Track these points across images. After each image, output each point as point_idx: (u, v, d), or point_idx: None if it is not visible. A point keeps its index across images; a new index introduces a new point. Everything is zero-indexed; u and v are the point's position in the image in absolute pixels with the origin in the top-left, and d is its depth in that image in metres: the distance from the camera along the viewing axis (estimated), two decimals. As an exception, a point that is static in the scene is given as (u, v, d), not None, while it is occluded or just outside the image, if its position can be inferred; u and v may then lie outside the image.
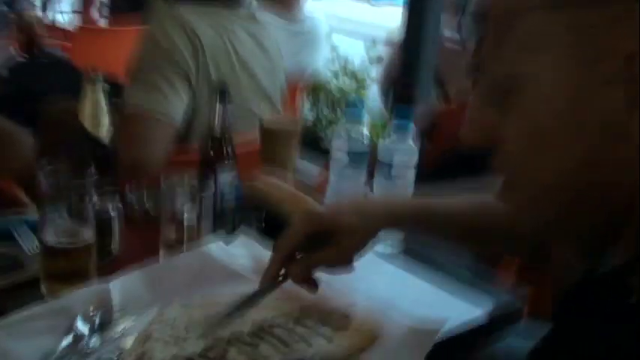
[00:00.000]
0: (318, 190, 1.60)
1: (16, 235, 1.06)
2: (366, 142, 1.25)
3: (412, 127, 1.20)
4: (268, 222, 1.21)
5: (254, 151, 1.41)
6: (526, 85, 0.51)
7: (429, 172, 1.70)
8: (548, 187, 0.52)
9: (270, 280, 0.87)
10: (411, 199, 0.97)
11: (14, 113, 1.25)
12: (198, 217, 1.02)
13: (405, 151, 1.19)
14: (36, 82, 2.03)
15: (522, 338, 0.98)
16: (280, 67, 1.71)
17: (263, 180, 1.31)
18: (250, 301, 0.88)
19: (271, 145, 1.38)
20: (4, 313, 0.91)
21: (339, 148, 1.26)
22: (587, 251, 0.56)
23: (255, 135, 1.41)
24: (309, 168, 1.66)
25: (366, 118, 1.26)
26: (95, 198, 0.93)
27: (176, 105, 1.39)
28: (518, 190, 0.55)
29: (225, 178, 1.19)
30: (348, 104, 1.25)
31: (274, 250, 0.87)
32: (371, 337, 0.89)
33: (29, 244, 1.04)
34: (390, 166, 1.19)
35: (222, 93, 1.16)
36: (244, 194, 1.27)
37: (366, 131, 1.26)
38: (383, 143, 1.21)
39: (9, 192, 1.19)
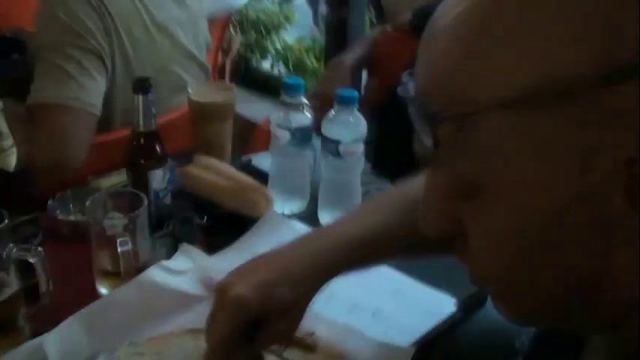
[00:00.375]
0: (264, 127, 1.48)
1: None
2: (308, 115, 1.14)
3: (356, 97, 1.09)
4: (210, 215, 1.11)
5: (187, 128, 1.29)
6: (494, 190, 0.43)
7: (375, 108, 1.61)
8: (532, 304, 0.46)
9: None
10: (339, 237, 0.76)
11: None
12: (134, 240, 0.91)
13: (351, 124, 1.08)
14: None
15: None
16: (201, 18, 1.55)
17: (197, 164, 1.20)
18: None
19: (202, 122, 1.26)
20: None
21: (279, 125, 1.14)
22: None
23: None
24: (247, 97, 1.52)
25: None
26: (11, 246, 0.81)
27: (91, 89, 1.24)
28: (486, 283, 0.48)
29: (157, 177, 1.07)
30: (286, 83, 1.12)
31: (208, 346, 0.69)
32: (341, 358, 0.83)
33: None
34: (335, 142, 1.08)
35: (141, 82, 1.02)
36: (179, 184, 1.16)
37: (306, 103, 1.15)
38: (327, 118, 1.10)
39: None
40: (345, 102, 1.07)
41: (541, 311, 0.46)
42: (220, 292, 0.67)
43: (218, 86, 1.44)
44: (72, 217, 1.09)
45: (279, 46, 3.35)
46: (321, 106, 1.21)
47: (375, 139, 1.15)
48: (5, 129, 0.87)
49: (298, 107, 1.13)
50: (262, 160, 1.32)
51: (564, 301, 0.44)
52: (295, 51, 3.24)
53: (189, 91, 1.24)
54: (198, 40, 1.51)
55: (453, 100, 0.42)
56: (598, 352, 0.51)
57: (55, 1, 1.26)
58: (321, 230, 0.78)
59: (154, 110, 1.04)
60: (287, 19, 3.40)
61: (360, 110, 1.09)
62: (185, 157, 1.26)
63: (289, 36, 3.50)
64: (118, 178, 1.20)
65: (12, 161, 0.89)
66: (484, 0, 0.41)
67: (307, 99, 1.14)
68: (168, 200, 1.10)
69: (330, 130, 1.09)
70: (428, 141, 0.44)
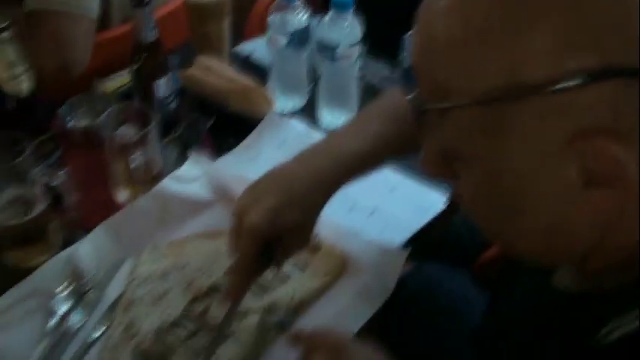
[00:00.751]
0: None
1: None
2: (305, 17, 1.17)
3: (351, 2, 1.11)
4: (219, 116, 1.17)
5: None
6: (471, 162, 0.51)
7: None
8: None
9: (241, 290, 0.79)
10: (338, 153, 0.82)
11: None
12: (146, 152, 0.98)
13: (346, 28, 1.11)
14: None
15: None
16: None
17: (199, 66, 1.24)
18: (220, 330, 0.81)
19: (200, 22, 1.28)
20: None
21: (276, 27, 1.17)
22: None
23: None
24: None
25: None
26: (37, 170, 0.88)
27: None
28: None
29: (162, 86, 1.11)
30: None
31: (233, 274, 0.79)
32: (342, 261, 0.93)
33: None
34: (333, 47, 1.12)
35: (140, -4, 1.04)
36: (182, 87, 1.21)
37: (301, 4, 1.17)
38: (321, 22, 1.13)
39: None
40: (341, 7, 1.09)
41: (515, 250, 0.55)
42: (237, 217, 0.75)
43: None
44: (83, 123, 1.14)
45: None
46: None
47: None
48: (14, 57, 0.91)
49: (295, 9, 1.15)
50: (260, 52, 1.35)
51: (540, 252, 0.52)
52: None
53: (186, -9, 1.25)
54: None
55: (434, 91, 0.48)
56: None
57: None
58: (321, 146, 0.84)
59: (153, 21, 1.06)
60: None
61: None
62: (185, 54, 1.29)
63: None
64: (122, 80, 1.25)
65: (24, 88, 0.94)
66: None
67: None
68: (174, 105, 1.16)
69: (326, 35, 1.12)
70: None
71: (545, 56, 0.43)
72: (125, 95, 1.22)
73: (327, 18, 1.12)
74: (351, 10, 1.10)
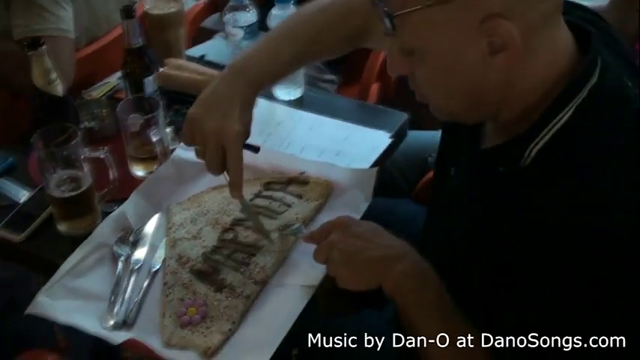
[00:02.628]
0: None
1: (2, 189, 1.23)
2: (253, 13, 1.45)
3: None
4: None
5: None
6: (422, 54, 0.81)
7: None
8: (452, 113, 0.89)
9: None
10: (256, 73, 1.09)
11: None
12: (157, 133, 1.23)
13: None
14: None
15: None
16: None
17: (170, 66, 1.49)
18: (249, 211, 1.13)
19: (160, 31, 1.52)
20: (41, 259, 1.14)
21: (232, 25, 1.45)
22: None
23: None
24: None
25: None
26: (85, 149, 1.11)
27: (64, 18, 1.46)
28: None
29: (149, 82, 1.35)
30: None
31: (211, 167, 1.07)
32: (328, 185, 1.21)
33: (20, 194, 1.22)
34: (282, 32, 1.41)
35: (126, 10, 1.28)
36: (160, 84, 1.45)
37: (249, 3, 1.45)
38: (270, 13, 1.41)
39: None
40: (283, 1, 1.39)
41: (456, 114, 0.87)
42: (191, 124, 1.06)
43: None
44: (86, 124, 1.37)
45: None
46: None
47: None
48: (50, 65, 1.13)
49: (245, 7, 1.44)
50: (212, 52, 1.62)
51: (478, 109, 0.84)
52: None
53: (146, 6, 1.50)
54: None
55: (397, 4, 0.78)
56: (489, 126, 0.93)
57: None
58: (241, 64, 1.10)
59: (138, 30, 1.31)
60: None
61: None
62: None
63: None
64: (106, 87, 1.48)
65: (60, 90, 1.16)
66: None
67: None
68: (159, 99, 1.40)
69: (275, 24, 1.41)
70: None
71: None
72: (110, 98, 1.45)
73: (273, 10, 1.40)
74: (292, 3, 1.40)
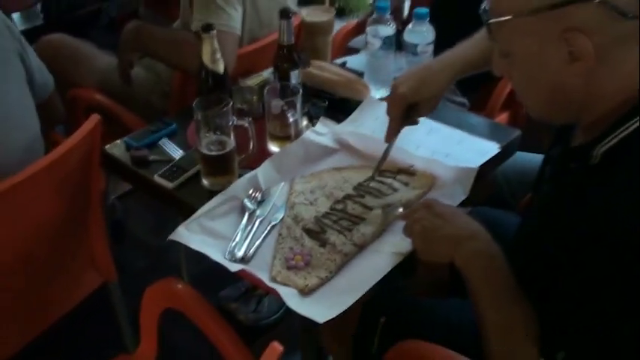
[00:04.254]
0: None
1: (164, 148, 1.50)
2: (392, 27, 1.64)
3: (427, 12, 1.58)
4: (330, 102, 1.63)
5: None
6: (514, 57, 0.96)
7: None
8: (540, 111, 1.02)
9: (394, 135, 1.36)
10: (457, 59, 1.36)
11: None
12: (294, 115, 1.44)
13: (425, 33, 1.59)
14: None
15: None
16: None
17: (314, 66, 1.71)
18: (382, 160, 1.37)
19: (312, 36, 1.76)
20: (185, 204, 1.38)
21: (372, 35, 1.65)
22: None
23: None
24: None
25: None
26: (233, 117, 1.35)
27: (235, 17, 1.74)
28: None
29: (294, 75, 1.58)
30: (377, 5, 1.63)
31: (390, 116, 1.35)
32: (432, 178, 1.37)
33: (176, 153, 1.48)
34: (415, 45, 1.59)
35: (285, 12, 1.52)
36: (304, 81, 1.68)
37: (390, 18, 1.64)
38: (407, 28, 1.60)
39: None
40: (420, 17, 1.57)
41: (544, 113, 1.00)
42: (393, 87, 1.31)
43: (322, 8, 1.92)
44: (239, 106, 1.62)
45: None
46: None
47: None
48: (216, 46, 1.39)
49: (386, 21, 1.63)
50: (353, 62, 1.83)
51: (562, 110, 0.98)
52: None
53: (303, 13, 1.74)
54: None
55: (492, 10, 0.94)
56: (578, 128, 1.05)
57: None
58: (447, 54, 1.37)
59: (292, 30, 1.54)
60: None
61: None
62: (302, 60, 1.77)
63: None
64: (259, 78, 1.73)
65: (221, 68, 1.42)
66: None
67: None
68: (300, 88, 1.62)
69: (410, 37, 1.59)
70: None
71: None
72: (261, 87, 1.70)
73: (410, 25, 1.59)
74: (427, 20, 1.57)
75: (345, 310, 1.11)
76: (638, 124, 0.91)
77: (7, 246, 1.43)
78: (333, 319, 1.09)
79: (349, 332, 1.34)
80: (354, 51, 2.29)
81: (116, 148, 1.53)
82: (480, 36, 1.37)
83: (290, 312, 1.12)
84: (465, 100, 2.16)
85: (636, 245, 0.85)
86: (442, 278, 1.50)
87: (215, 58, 1.39)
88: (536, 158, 1.66)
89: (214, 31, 1.37)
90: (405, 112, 1.33)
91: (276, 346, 0.96)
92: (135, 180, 1.51)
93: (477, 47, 1.36)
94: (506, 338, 1.03)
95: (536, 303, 1.01)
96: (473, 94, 2.14)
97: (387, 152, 1.36)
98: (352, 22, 2.38)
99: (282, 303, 1.14)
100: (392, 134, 1.36)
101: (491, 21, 0.95)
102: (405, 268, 1.25)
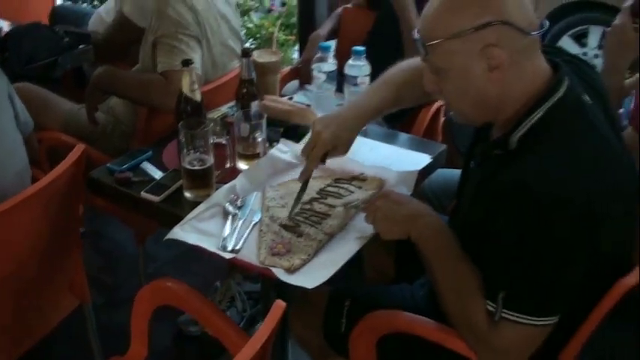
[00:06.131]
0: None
1: (145, 168, 1.71)
2: (334, 63, 1.94)
3: (364, 50, 1.89)
4: (285, 129, 1.90)
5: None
6: (446, 72, 1.25)
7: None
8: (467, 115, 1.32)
9: (309, 174, 1.56)
10: (367, 108, 1.56)
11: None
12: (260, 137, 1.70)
13: (362, 67, 1.90)
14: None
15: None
16: (235, 5, 2.31)
17: (267, 100, 1.97)
18: (301, 191, 1.56)
19: (263, 75, 2.02)
20: (172, 214, 1.59)
21: (317, 70, 1.94)
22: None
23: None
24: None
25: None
26: (213, 137, 1.58)
27: (196, 59, 1.98)
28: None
29: (254, 106, 1.84)
30: (321, 45, 1.93)
31: (307, 159, 1.54)
32: (381, 181, 1.65)
33: (156, 173, 1.69)
34: (355, 77, 1.89)
35: (245, 51, 1.79)
36: (260, 112, 1.94)
37: (332, 56, 1.95)
38: (347, 63, 1.90)
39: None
40: (358, 53, 1.88)
41: (469, 116, 1.30)
42: (316, 134, 1.51)
43: (269, 51, 2.20)
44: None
45: (250, 25, 4.13)
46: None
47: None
48: (194, 78, 1.63)
49: (327, 59, 1.93)
50: (297, 97, 2.12)
51: (484, 112, 1.28)
52: (267, 27, 4.01)
53: (255, 55, 2.01)
54: (238, 20, 2.27)
55: (426, 36, 1.23)
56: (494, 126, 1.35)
57: (162, 3, 2.00)
58: (356, 103, 1.59)
59: (252, 67, 1.81)
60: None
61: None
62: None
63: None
64: (217, 113, 1.97)
65: (198, 97, 1.65)
66: None
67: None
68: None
69: (350, 71, 1.89)
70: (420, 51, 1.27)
71: (471, 17, 1.19)
72: (222, 119, 1.94)
73: (349, 61, 1.89)
74: (364, 55, 1.89)
75: (314, 300, 1.45)
76: (541, 114, 1.23)
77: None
78: (302, 310, 1.42)
79: (317, 322, 1.58)
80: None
81: (100, 172, 1.73)
82: (377, 85, 1.61)
83: (253, 324, 1.37)
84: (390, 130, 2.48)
85: (536, 201, 1.15)
86: (388, 274, 1.78)
87: (193, 88, 1.63)
88: (455, 172, 1.99)
89: (193, 65, 1.62)
90: (321, 155, 1.52)
91: (280, 303, 1.18)
92: (120, 199, 1.70)
93: (378, 95, 1.57)
94: (458, 294, 1.30)
95: (476, 261, 1.29)
96: (397, 123, 2.46)
97: (302, 190, 1.55)
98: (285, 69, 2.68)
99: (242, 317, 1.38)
100: (307, 174, 1.55)
101: (428, 44, 1.24)
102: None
